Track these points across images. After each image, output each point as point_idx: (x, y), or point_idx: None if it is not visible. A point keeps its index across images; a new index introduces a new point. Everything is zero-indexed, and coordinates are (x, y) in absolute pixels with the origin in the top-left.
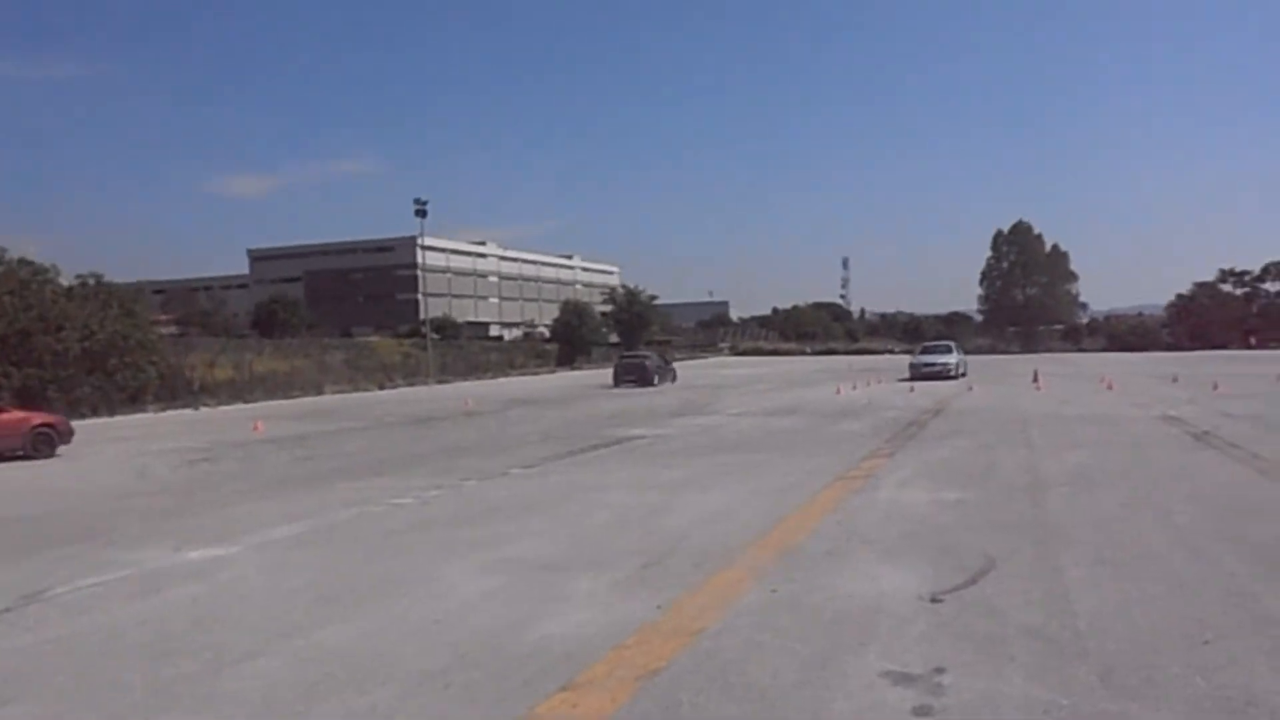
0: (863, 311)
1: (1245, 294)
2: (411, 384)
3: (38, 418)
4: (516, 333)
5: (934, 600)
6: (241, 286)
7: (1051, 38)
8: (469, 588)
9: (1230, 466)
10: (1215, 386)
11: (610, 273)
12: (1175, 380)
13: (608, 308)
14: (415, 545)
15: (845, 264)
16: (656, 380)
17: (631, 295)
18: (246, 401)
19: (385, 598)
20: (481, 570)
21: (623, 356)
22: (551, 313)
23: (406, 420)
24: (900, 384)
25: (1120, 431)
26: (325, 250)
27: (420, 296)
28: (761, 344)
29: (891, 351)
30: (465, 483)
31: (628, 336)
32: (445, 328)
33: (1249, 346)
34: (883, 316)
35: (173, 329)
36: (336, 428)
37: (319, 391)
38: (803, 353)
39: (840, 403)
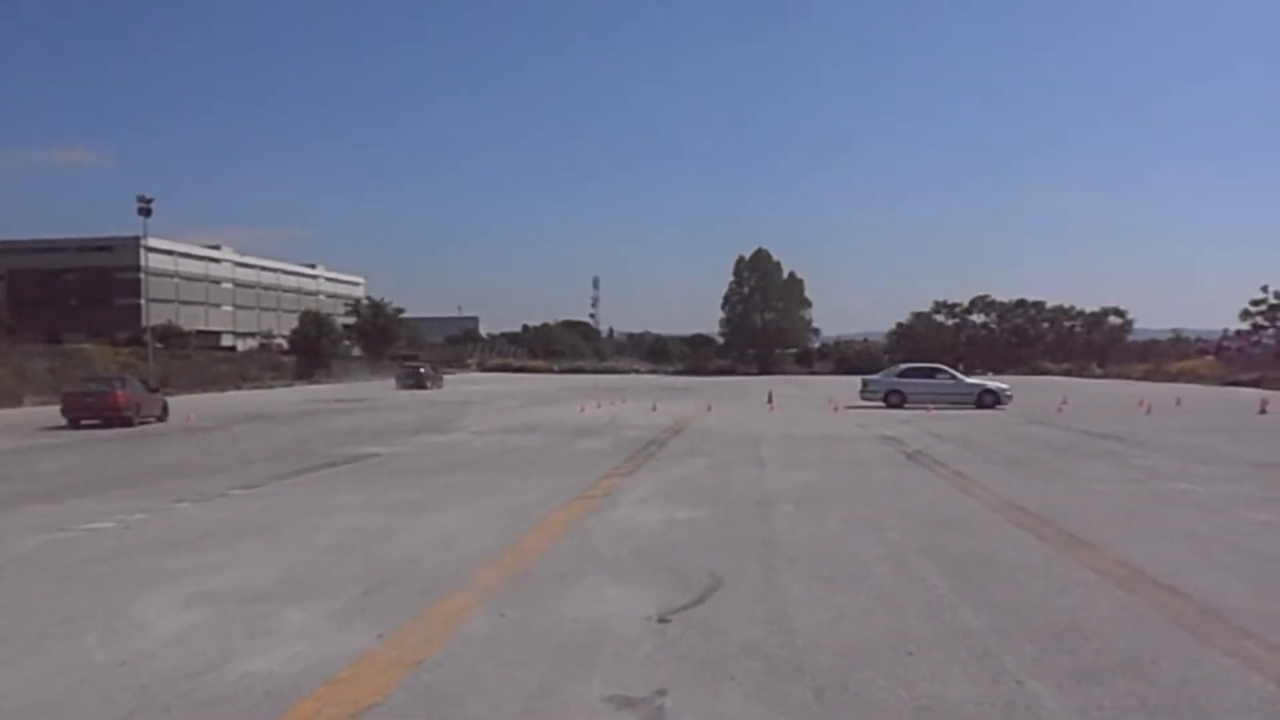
0: (611, 331)
1: (955, 324)
2: None
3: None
4: (252, 343)
5: (661, 621)
6: None
7: (789, 76)
8: (166, 623)
9: (937, 484)
10: (928, 409)
11: (356, 284)
12: None
13: (351, 320)
14: (110, 576)
15: (595, 283)
16: (429, 385)
17: (376, 307)
18: None
19: (65, 637)
20: (183, 603)
21: (404, 364)
22: (290, 323)
23: (118, 436)
24: (644, 403)
25: (843, 451)
26: (31, 247)
27: (143, 301)
28: (510, 361)
29: (638, 371)
30: (177, 505)
31: (372, 350)
32: (171, 336)
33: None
34: (630, 336)
35: None
36: (33, 444)
37: (17, 403)
38: (550, 370)
39: (583, 421)
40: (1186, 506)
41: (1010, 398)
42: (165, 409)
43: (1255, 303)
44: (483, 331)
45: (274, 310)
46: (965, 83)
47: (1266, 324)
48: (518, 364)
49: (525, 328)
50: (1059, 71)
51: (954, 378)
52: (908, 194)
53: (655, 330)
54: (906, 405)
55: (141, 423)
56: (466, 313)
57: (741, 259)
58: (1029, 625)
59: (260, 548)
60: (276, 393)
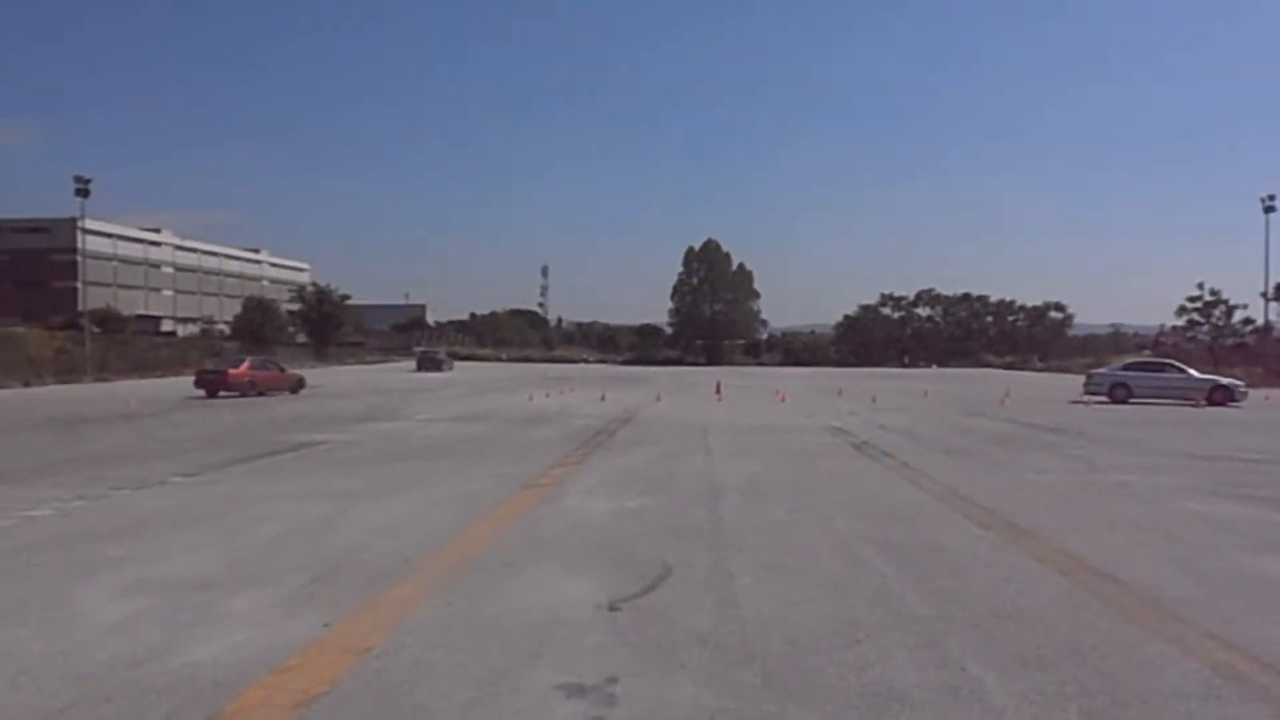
0: (560, 320)
1: (901, 317)
2: (65, 382)
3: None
4: (193, 329)
5: (611, 609)
6: None
7: (741, 69)
8: (106, 612)
9: (884, 474)
10: (874, 400)
11: (301, 269)
12: (840, 394)
13: (296, 306)
14: (46, 564)
15: (545, 272)
16: (445, 369)
17: (322, 294)
18: None
19: (0, 628)
20: (123, 592)
21: (424, 351)
22: (233, 309)
23: (53, 422)
24: (592, 392)
25: (790, 441)
26: None
27: (80, 285)
28: (457, 349)
29: (586, 360)
30: (116, 493)
31: (317, 336)
32: (109, 321)
33: (903, 364)
34: (579, 326)
35: None
36: None
37: None
38: (498, 359)
39: (532, 410)
40: (1124, 497)
41: (1245, 394)
42: (299, 384)
43: (1191, 299)
44: (430, 319)
45: (216, 295)
46: (912, 79)
47: (1201, 320)
48: (465, 352)
49: (473, 316)
50: (1005, 70)
51: (1183, 372)
52: (856, 187)
53: (604, 320)
54: (1131, 400)
55: (260, 394)
56: (414, 300)
57: (691, 250)
58: (973, 612)
59: (202, 536)
60: None
